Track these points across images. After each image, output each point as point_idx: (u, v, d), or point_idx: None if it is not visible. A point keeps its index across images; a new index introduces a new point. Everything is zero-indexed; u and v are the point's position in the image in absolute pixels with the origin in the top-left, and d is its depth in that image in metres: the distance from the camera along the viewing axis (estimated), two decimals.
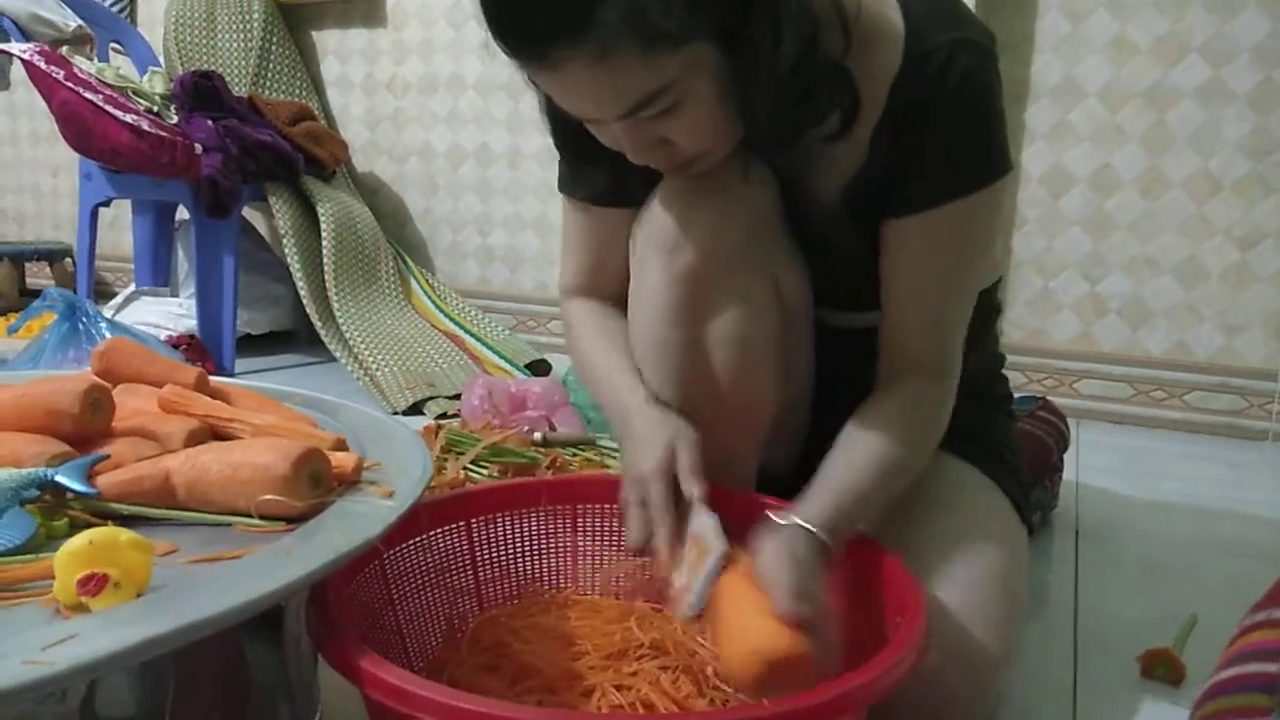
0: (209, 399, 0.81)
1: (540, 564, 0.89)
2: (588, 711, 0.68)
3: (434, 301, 2.32)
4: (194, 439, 0.74)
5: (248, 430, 0.77)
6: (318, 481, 0.66)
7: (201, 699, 0.63)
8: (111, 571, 0.51)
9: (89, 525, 0.62)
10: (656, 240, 0.80)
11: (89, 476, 0.65)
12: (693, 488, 0.73)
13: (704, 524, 0.70)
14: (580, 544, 0.89)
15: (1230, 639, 0.59)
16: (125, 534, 0.53)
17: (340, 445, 0.76)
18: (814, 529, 0.68)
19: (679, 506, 0.73)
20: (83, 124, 1.93)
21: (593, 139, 0.75)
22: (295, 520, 0.64)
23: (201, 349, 2.01)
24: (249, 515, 0.64)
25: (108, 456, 0.68)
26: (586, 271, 0.93)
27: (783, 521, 0.69)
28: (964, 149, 0.75)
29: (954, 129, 0.74)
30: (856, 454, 0.75)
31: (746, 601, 0.63)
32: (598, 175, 0.84)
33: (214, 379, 0.88)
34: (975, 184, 0.76)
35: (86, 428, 0.73)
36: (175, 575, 0.55)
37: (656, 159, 0.75)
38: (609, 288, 0.91)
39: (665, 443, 0.75)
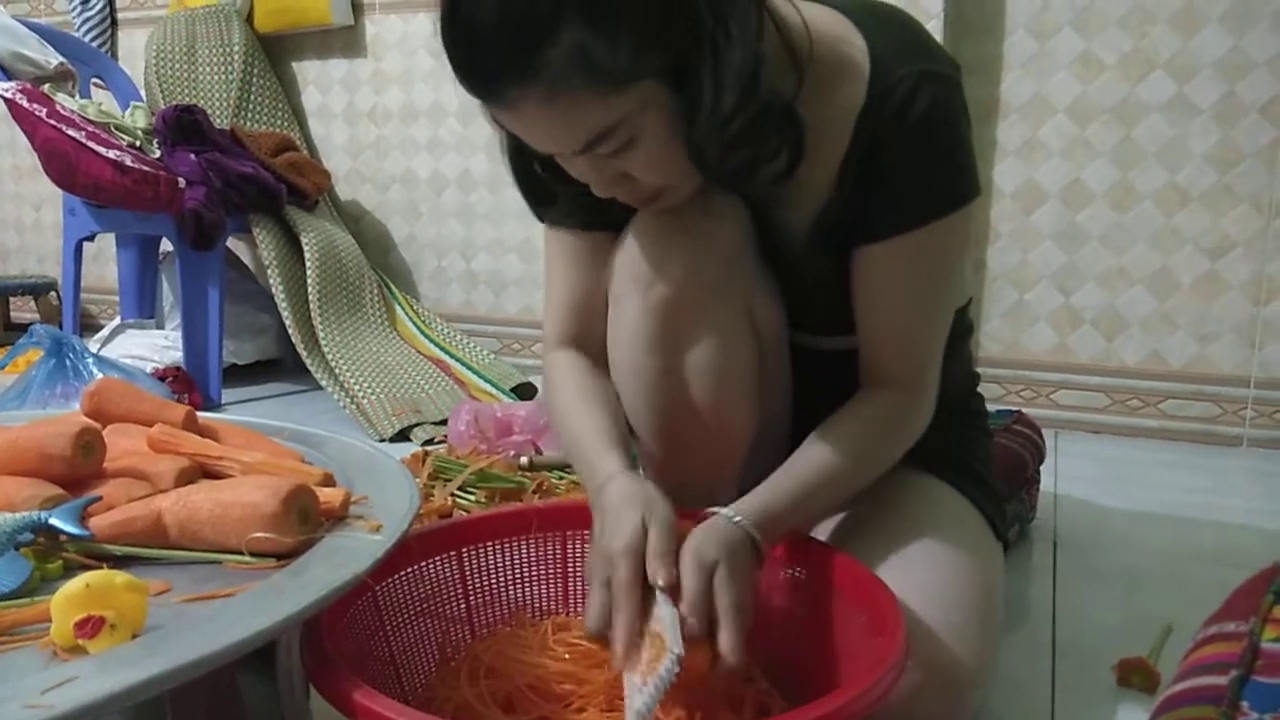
0: (198, 437, 0.83)
1: (531, 590, 0.90)
2: None
3: (419, 327, 2.33)
4: (184, 478, 0.76)
5: (237, 468, 0.78)
6: (306, 517, 0.68)
7: None
8: (108, 613, 0.53)
9: (83, 567, 0.63)
10: (633, 272, 0.82)
11: (82, 519, 0.67)
12: (659, 574, 0.67)
13: (663, 618, 0.66)
14: (570, 569, 0.91)
15: (1186, 652, 0.61)
16: (121, 576, 0.55)
17: (328, 480, 0.78)
18: (740, 521, 0.72)
19: (644, 590, 0.68)
20: (66, 161, 1.95)
21: (553, 177, 0.78)
22: (285, 556, 0.65)
23: (188, 380, 2.02)
24: (240, 553, 0.65)
25: (100, 498, 0.70)
26: (571, 312, 0.90)
27: (712, 513, 0.73)
28: (929, 178, 0.77)
29: (918, 160, 0.76)
30: (802, 461, 0.79)
31: None
32: (573, 203, 0.86)
33: (202, 415, 0.90)
34: (941, 211, 0.78)
35: (78, 470, 0.74)
36: (169, 615, 0.57)
37: (621, 193, 0.77)
38: (593, 333, 0.89)
39: (637, 520, 0.70)
